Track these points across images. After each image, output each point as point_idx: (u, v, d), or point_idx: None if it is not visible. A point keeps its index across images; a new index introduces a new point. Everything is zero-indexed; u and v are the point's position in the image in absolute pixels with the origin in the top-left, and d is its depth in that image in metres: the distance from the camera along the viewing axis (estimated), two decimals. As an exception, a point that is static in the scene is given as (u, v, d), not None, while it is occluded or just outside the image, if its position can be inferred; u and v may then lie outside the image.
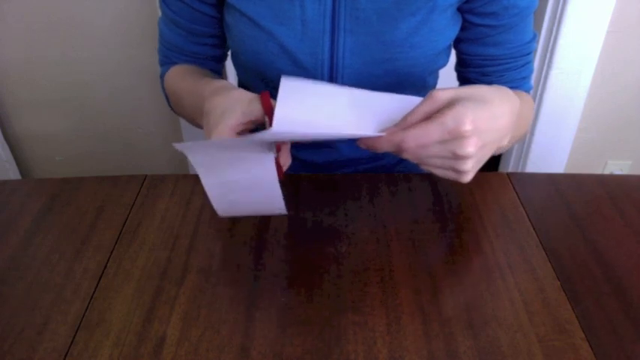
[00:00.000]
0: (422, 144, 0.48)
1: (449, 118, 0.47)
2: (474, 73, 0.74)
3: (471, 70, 0.74)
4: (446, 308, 0.52)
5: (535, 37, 0.72)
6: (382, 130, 0.50)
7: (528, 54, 0.73)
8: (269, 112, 0.52)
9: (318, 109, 0.54)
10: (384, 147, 0.50)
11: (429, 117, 0.49)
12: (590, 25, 1.35)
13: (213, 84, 0.62)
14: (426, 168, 0.51)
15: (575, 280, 0.56)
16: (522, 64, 0.73)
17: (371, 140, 0.50)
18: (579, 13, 1.32)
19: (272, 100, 0.53)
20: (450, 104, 0.48)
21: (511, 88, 0.73)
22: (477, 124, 0.47)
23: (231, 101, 0.55)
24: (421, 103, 0.49)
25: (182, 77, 0.73)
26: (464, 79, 0.77)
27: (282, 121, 0.50)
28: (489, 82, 0.73)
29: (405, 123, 0.50)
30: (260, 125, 0.55)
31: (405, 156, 0.49)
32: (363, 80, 0.69)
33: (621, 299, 0.54)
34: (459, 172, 0.50)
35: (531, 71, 0.75)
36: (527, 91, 0.75)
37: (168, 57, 0.76)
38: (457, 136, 0.47)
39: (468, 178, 0.51)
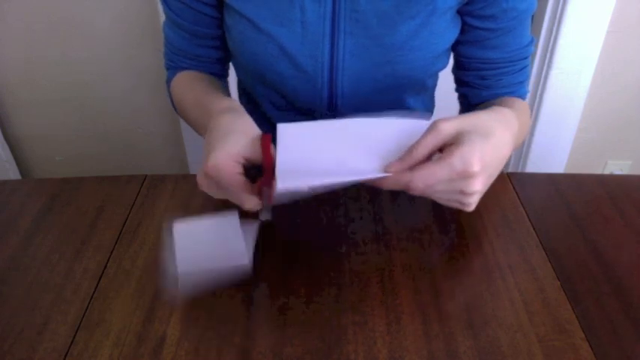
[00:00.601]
0: (430, 184, 0.49)
1: (457, 159, 0.48)
2: (472, 77, 0.74)
3: (468, 74, 0.74)
4: (446, 308, 0.52)
5: (533, 42, 0.72)
6: (387, 165, 0.51)
7: (525, 58, 0.73)
8: (267, 155, 0.52)
9: (319, 159, 0.53)
10: (391, 186, 0.50)
11: (434, 151, 0.50)
12: (590, 25, 1.35)
13: (222, 102, 0.61)
14: (430, 198, 0.52)
15: (575, 280, 0.56)
16: (520, 69, 0.73)
17: (377, 181, 0.51)
18: (579, 13, 1.32)
19: (272, 147, 0.53)
20: (457, 140, 0.49)
21: (507, 93, 0.73)
22: (483, 162, 0.49)
23: (237, 131, 0.54)
24: (425, 136, 0.50)
25: (190, 86, 0.73)
26: (461, 82, 0.77)
27: (283, 187, 0.50)
28: (487, 86, 0.73)
29: (410, 158, 0.50)
30: (254, 167, 0.54)
31: (412, 193, 0.50)
32: (363, 82, 0.69)
33: (621, 299, 0.54)
34: (463, 204, 0.51)
35: (528, 76, 0.75)
36: (523, 95, 0.75)
37: (174, 61, 0.76)
38: (465, 176, 0.48)
39: (471, 208, 0.52)
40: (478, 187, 0.49)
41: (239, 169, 0.52)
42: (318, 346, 0.49)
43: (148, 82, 1.49)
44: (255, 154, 0.52)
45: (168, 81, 0.78)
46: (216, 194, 0.54)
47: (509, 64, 0.71)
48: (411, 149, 0.50)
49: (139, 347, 0.49)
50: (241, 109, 0.59)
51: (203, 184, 0.54)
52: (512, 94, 0.74)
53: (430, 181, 0.49)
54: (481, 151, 0.48)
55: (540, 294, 0.54)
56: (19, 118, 1.56)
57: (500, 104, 0.69)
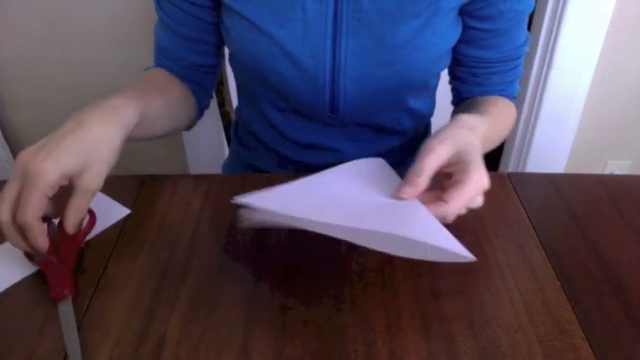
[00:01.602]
0: (461, 209, 0.52)
1: (475, 180, 0.51)
2: (465, 73, 0.75)
3: (462, 70, 0.75)
4: (446, 308, 0.52)
5: (527, 41, 0.73)
6: (399, 191, 0.52)
7: (519, 57, 0.74)
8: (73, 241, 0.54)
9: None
10: None
11: (436, 171, 0.52)
12: (590, 25, 1.35)
13: (119, 99, 0.60)
14: None
15: (575, 280, 0.56)
16: (511, 68, 0.74)
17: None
18: (579, 13, 1.32)
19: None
20: (461, 159, 0.52)
21: (498, 90, 0.75)
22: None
23: (90, 147, 0.56)
24: (429, 158, 0.51)
25: (145, 80, 0.73)
26: (454, 77, 0.79)
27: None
28: (478, 84, 0.75)
29: (420, 180, 0.52)
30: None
31: (446, 222, 0.52)
32: (365, 83, 0.69)
33: (621, 299, 0.54)
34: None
35: (519, 74, 0.76)
36: (512, 94, 0.77)
37: (159, 59, 0.76)
38: (480, 192, 0.53)
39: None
40: (481, 198, 0.54)
41: (52, 190, 0.51)
42: (318, 346, 0.49)
43: (148, 82, 1.48)
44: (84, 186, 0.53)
45: (146, 70, 0.78)
46: (8, 186, 0.50)
47: (502, 64, 0.73)
48: (417, 173, 0.52)
49: (139, 347, 0.49)
50: (120, 119, 0.59)
51: (21, 161, 0.52)
52: (502, 91, 0.75)
53: (462, 206, 0.51)
54: (482, 163, 0.53)
55: (540, 294, 0.54)
56: (19, 118, 1.56)
57: (479, 107, 0.70)
